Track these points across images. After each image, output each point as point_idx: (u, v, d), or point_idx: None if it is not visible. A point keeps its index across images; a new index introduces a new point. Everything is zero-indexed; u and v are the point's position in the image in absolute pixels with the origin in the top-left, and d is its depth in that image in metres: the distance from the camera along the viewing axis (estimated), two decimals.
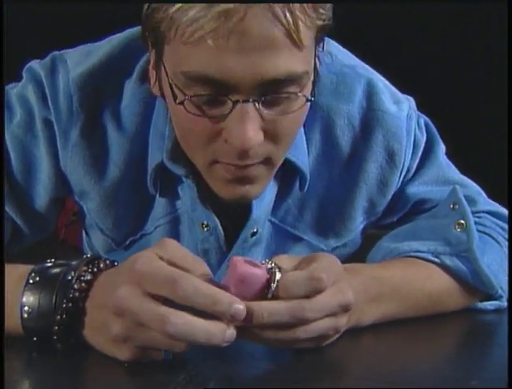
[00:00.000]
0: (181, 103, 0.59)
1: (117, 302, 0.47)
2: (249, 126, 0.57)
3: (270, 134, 0.61)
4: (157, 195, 0.74)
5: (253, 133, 0.58)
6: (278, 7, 0.54)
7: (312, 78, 0.62)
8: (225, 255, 0.76)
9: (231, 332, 0.47)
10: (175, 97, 0.59)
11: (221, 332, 0.46)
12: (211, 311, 0.46)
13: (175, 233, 0.78)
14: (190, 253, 0.51)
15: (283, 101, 0.59)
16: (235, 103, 0.57)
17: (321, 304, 0.50)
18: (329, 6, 0.59)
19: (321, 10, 0.57)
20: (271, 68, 0.56)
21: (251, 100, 0.57)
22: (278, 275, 0.50)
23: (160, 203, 0.76)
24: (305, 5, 0.56)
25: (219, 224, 0.74)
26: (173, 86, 0.59)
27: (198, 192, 0.71)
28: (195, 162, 0.66)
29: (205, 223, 0.74)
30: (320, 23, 0.58)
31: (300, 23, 0.55)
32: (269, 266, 0.51)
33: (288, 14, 0.54)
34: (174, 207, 0.76)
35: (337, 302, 0.51)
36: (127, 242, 0.79)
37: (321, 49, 0.64)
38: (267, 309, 0.49)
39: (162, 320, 0.45)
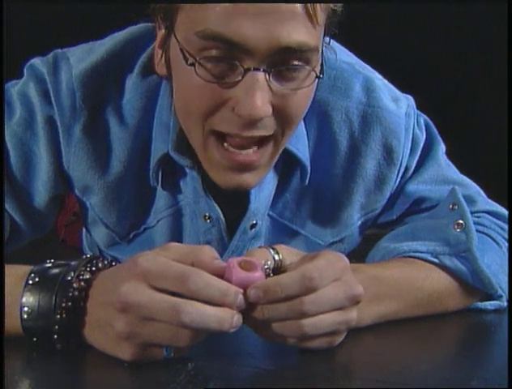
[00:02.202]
0: (193, 64, 0.59)
1: (122, 298, 0.47)
2: (258, 95, 0.58)
3: (278, 110, 0.61)
4: (159, 188, 0.75)
5: (261, 103, 0.58)
6: None
7: (320, 60, 0.62)
8: (227, 247, 0.76)
9: (238, 317, 0.48)
10: (186, 60, 0.59)
11: (231, 318, 0.47)
12: (220, 303, 0.47)
13: (177, 226, 0.78)
14: (193, 247, 0.51)
15: (293, 76, 0.60)
16: (246, 70, 0.58)
17: (322, 298, 0.50)
18: None
19: None
20: (286, 35, 0.57)
21: (262, 69, 0.58)
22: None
23: (162, 196, 0.76)
24: None
25: (221, 216, 0.74)
26: (185, 51, 0.60)
27: (203, 183, 0.72)
28: (192, 136, 0.66)
29: (207, 214, 0.74)
30: (332, 7, 0.60)
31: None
32: (266, 266, 0.52)
33: None
34: (176, 199, 0.76)
35: (342, 295, 0.51)
36: (131, 236, 0.79)
37: (326, 44, 0.64)
38: (267, 306, 0.49)
39: (176, 310, 0.46)
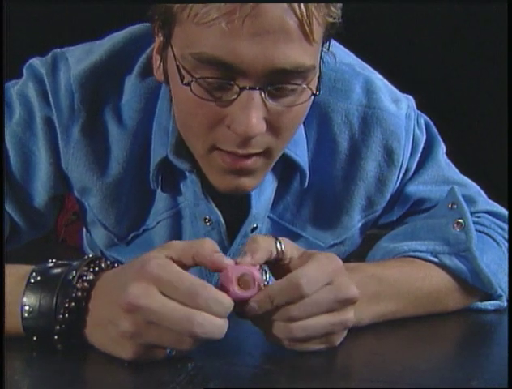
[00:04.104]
0: (188, 84, 0.59)
1: (131, 299, 0.46)
2: (253, 113, 0.58)
3: (273, 126, 0.61)
4: (159, 190, 0.74)
5: (256, 121, 0.58)
6: None
7: (317, 73, 0.62)
8: (227, 249, 0.76)
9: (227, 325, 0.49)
10: (182, 78, 0.59)
11: (226, 326, 0.48)
12: (222, 315, 0.48)
13: (176, 228, 0.78)
14: (194, 241, 0.51)
15: (289, 94, 0.60)
16: (241, 89, 0.57)
17: (309, 304, 0.50)
18: (339, 5, 0.60)
19: (332, 8, 0.58)
20: (282, 57, 0.56)
21: (258, 88, 0.57)
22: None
23: (162, 198, 0.76)
24: None
25: (221, 219, 0.74)
26: (181, 67, 0.59)
27: (202, 187, 0.72)
28: (194, 150, 0.66)
29: (207, 217, 0.74)
30: (330, 20, 0.59)
31: (313, 17, 0.56)
32: (265, 282, 0.52)
33: (302, 7, 0.55)
34: (176, 201, 0.76)
35: (333, 299, 0.51)
36: (129, 237, 0.79)
37: (326, 50, 0.64)
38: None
39: (190, 321, 0.46)
